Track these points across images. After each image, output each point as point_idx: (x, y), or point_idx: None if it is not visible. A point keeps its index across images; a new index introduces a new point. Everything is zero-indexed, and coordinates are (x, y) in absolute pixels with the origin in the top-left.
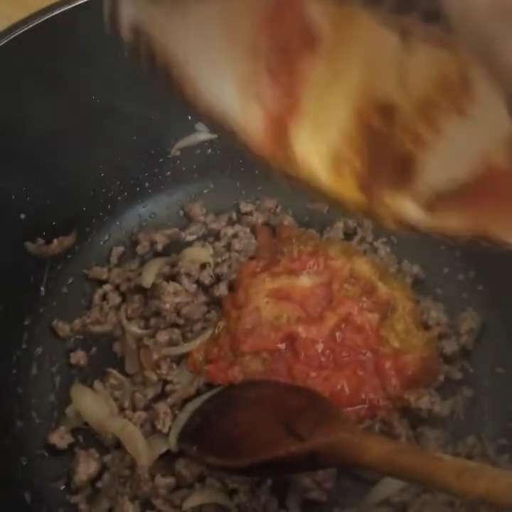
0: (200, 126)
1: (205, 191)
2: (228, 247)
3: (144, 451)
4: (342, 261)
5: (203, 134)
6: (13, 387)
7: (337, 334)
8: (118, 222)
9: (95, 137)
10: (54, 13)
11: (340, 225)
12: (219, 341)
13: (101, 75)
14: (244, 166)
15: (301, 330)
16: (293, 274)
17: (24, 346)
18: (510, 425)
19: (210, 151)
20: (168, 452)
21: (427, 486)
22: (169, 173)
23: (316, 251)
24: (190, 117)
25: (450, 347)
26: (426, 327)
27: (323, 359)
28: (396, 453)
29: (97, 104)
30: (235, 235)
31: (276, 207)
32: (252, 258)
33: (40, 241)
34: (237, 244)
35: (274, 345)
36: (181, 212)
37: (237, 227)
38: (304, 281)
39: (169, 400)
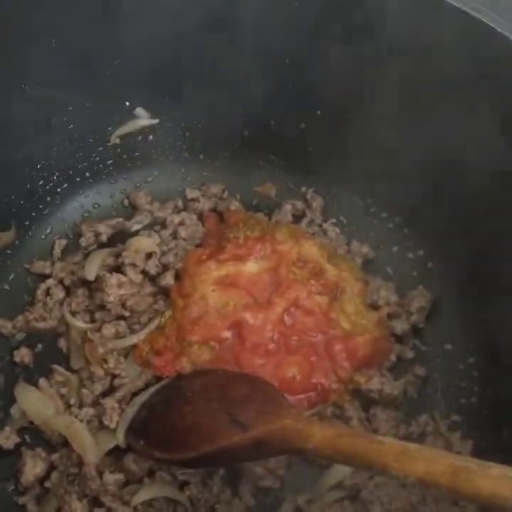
0: (140, 111)
1: (150, 179)
2: (175, 235)
3: (90, 449)
4: (289, 245)
5: (143, 120)
6: None
7: (286, 319)
8: (59, 214)
9: (30, 128)
10: None
11: (288, 207)
12: (165, 331)
13: (35, 61)
14: (188, 151)
15: (248, 316)
16: (239, 260)
17: None
18: (462, 402)
19: (151, 137)
20: (116, 448)
21: (369, 471)
22: (111, 161)
23: (262, 236)
24: (128, 103)
25: (401, 326)
26: (376, 307)
27: (272, 345)
28: (338, 437)
29: (31, 93)
30: (182, 223)
31: (223, 192)
32: (199, 246)
33: None
34: (183, 232)
35: (221, 333)
36: (126, 201)
37: (184, 214)
38: (251, 267)
39: (117, 395)
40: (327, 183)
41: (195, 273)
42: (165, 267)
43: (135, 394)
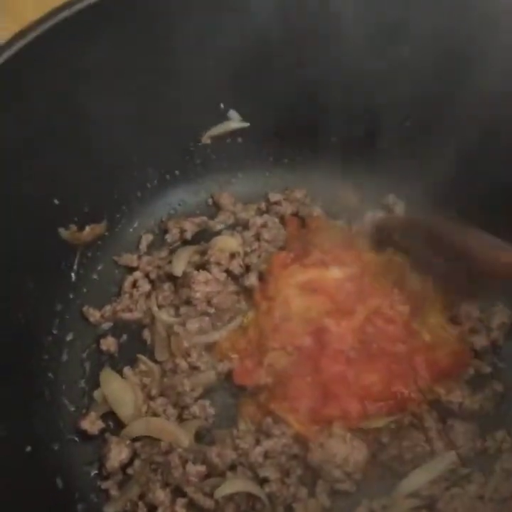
0: (232, 114)
1: (234, 180)
2: (257, 236)
3: (180, 434)
4: (373, 253)
5: (235, 123)
6: (45, 372)
7: (367, 327)
8: (147, 210)
9: (129, 124)
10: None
11: (370, 216)
12: (248, 334)
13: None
14: (273, 155)
15: (330, 323)
16: (324, 265)
17: (55, 332)
18: None
19: (240, 139)
20: (199, 441)
21: None
22: (199, 161)
23: (347, 243)
24: (222, 105)
25: (480, 342)
26: (457, 321)
27: (353, 353)
28: None
29: (131, 90)
30: (264, 225)
31: (306, 197)
32: (281, 248)
33: (73, 227)
34: (266, 234)
35: (302, 339)
36: (210, 201)
37: (266, 216)
38: (335, 273)
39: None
40: (409, 193)
41: (279, 275)
42: (248, 268)
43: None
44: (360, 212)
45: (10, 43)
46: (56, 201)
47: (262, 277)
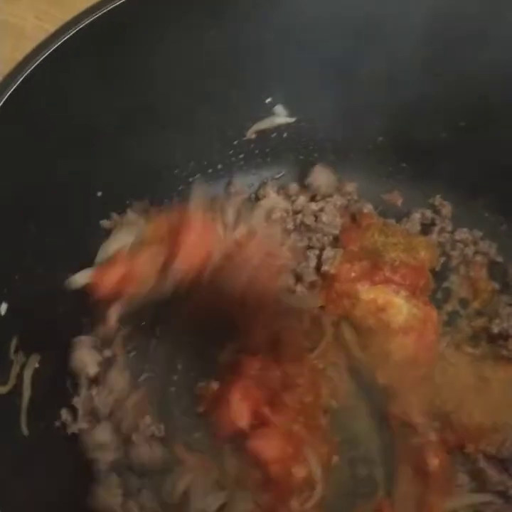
0: (279, 109)
1: (278, 176)
2: (315, 218)
3: None
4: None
5: (280, 118)
6: None
7: None
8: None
9: (173, 116)
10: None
11: (417, 216)
12: None
13: (180, 51)
14: (318, 152)
15: None
16: (391, 287)
17: None
18: None
19: (285, 135)
20: None
21: None
22: (243, 155)
23: (416, 264)
24: (269, 100)
25: None
26: None
27: None
28: None
29: (175, 82)
30: (322, 209)
31: (356, 191)
32: (336, 239)
33: (115, 216)
34: (324, 217)
35: None
36: (253, 196)
37: (321, 203)
38: (401, 304)
39: None
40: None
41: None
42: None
43: None
44: (404, 213)
45: None
46: (99, 194)
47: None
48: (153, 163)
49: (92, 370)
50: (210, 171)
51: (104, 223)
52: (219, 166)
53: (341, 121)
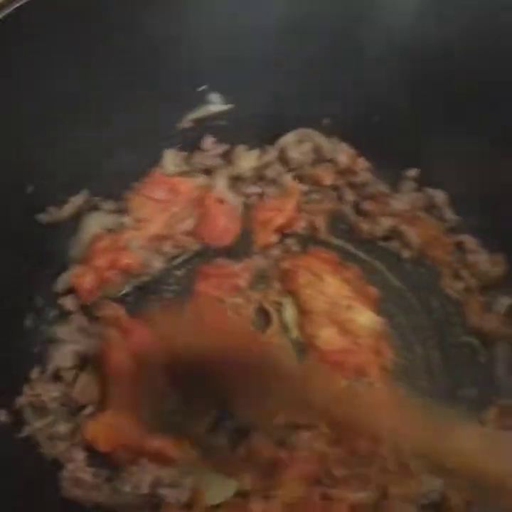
0: (213, 97)
1: None
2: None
3: None
4: None
5: (216, 105)
6: None
7: None
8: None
9: (105, 107)
10: None
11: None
12: None
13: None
14: (258, 138)
15: None
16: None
17: None
18: None
19: (222, 123)
20: None
21: None
22: (180, 145)
23: None
24: (202, 87)
25: None
26: None
27: None
28: None
29: (105, 72)
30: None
31: None
32: None
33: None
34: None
35: None
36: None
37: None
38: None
39: None
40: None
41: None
42: None
43: None
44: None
45: None
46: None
47: None
48: (87, 154)
49: None
50: (146, 161)
51: (41, 217)
52: (156, 158)
53: (275, 107)
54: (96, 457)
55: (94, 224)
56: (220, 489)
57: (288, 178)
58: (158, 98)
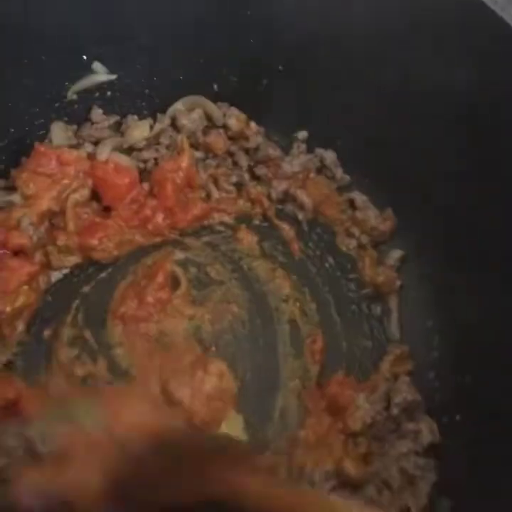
0: (97, 66)
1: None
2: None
3: None
4: None
5: (100, 75)
6: None
7: None
8: None
9: None
10: None
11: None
12: None
13: None
14: (147, 109)
15: None
16: None
17: None
18: None
19: (109, 93)
20: None
21: None
22: (66, 118)
23: None
24: (85, 57)
25: None
26: None
27: None
28: None
29: None
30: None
31: None
32: None
33: None
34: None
35: None
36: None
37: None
38: None
39: None
40: None
41: None
42: None
43: None
44: None
45: None
46: None
47: None
48: None
49: None
50: (33, 135)
51: None
52: (42, 132)
53: (162, 74)
54: None
55: None
56: None
57: (180, 138)
58: (41, 69)
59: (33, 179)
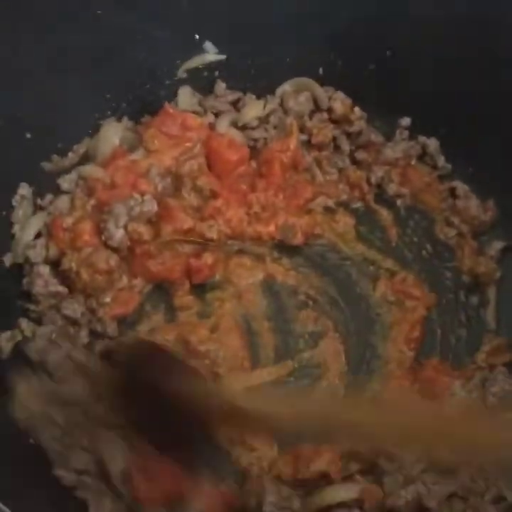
0: (208, 46)
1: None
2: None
3: None
4: None
5: (210, 55)
6: None
7: None
8: None
9: (99, 54)
10: None
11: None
12: None
13: None
14: (252, 90)
15: None
16: None
17: None
18: None
19: (217, 73)
20: None
21: None
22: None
23: None
24: (197, 36)
25: None
26: None
27: None
28: None
29: (102, 18)
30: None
31: None
32: None
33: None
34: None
35: None
36: None
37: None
38: None
39: None
40: None
41: None
42: None
43: None
44: None
45: None
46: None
47: None
48: (83, 105)
49: None
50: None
51: (46, 166)
52: (150, 108)
53: (270, 55)
54: None
55: (114, 134)
56: None
57: (289, 121)
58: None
59: (157, 137)
